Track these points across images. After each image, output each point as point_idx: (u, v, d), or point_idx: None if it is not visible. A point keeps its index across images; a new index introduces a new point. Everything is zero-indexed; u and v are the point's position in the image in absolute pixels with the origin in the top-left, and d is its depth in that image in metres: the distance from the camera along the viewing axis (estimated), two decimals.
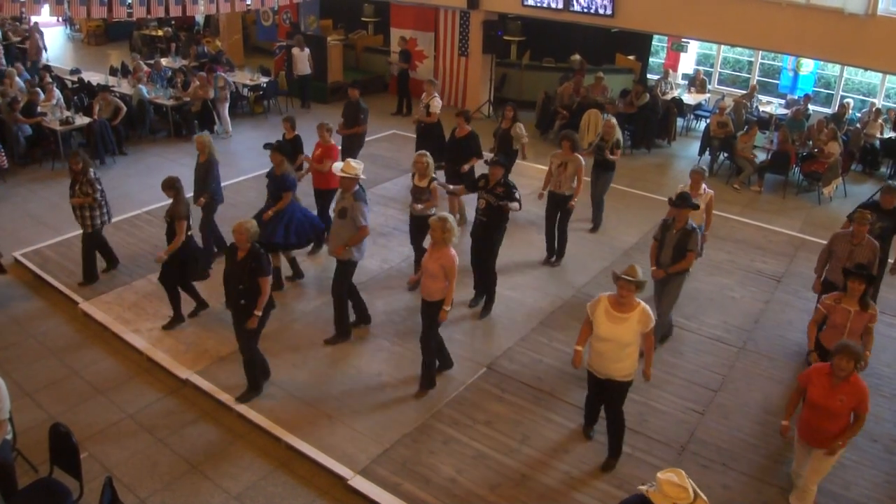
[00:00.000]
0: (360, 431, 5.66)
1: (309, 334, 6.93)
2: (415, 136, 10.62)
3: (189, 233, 6.80)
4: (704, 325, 7.27)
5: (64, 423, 4.62)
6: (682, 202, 6.29)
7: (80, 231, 7.71)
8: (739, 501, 5.14)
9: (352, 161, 6.56)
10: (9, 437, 4.61)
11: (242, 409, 5.87)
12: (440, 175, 8.50)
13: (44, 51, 17.21)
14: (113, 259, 8.02)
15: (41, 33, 17.82)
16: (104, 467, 5.24)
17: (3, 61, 15.02)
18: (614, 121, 9.26)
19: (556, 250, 8.47)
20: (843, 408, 4.51)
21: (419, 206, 7.27)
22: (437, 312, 5.87)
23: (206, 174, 7.84)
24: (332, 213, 7.16)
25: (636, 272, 4.90)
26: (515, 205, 6.91)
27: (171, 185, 6.70)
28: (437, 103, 10.27)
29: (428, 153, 7.40)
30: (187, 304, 7.16)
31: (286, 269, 7.88)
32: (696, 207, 6.51)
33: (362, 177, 6.45)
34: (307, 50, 14.38)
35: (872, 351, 6.73)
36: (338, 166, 6.53)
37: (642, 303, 5.04)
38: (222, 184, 8.20)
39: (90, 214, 7.50)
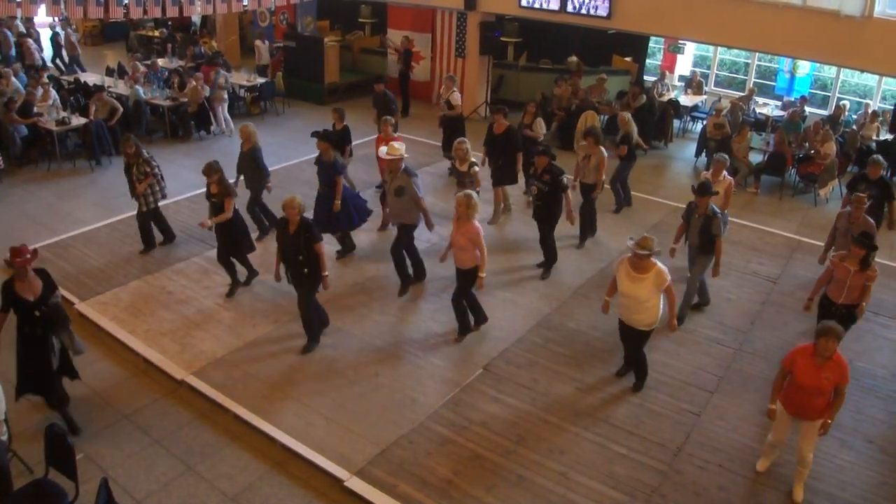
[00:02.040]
0: (356, 432, 5.66)
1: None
2: (415, 137, 10.74)
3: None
4: (700, 327, 7.28)
5: (60, 424, 4.61)
6: (703, 191, 6.84)
7: (133, 212, 8.23)
8: (736, 502, 5.15)
9: (394, 143, 7.35)
10: (4, 438, 4.62)
11: (239, 409, 5.87)
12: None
13: (39, 52, 17.16)
14: (169, 233, 8.59)
15: (38, 33, 17.81)
16: (100, 468, 5.23)
17: (37, 58, 15.31)
18: (628, 115, 9.79)
19: (588, 231, 9.02)
20: (829, 385, 4.80)
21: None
22: (471, 277, 6.57)
23: (256, 160, 8.32)
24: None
25: (648, 244, 5.57)
26: (569, 192, 7.84)
27: (216, 169, 7.18)
28: (456, 97, 10.81)
29: (466, 140, 8.43)
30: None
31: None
32: (716, 194, 7.15)
33: (406, 155, 7.27)
34: (267, 42, 16.11)
35: (868, 352, 6.99)
36: (383, 150, 7.35)
37: (658, 263, 5.71)
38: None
39: (150, 191, 7.99)
